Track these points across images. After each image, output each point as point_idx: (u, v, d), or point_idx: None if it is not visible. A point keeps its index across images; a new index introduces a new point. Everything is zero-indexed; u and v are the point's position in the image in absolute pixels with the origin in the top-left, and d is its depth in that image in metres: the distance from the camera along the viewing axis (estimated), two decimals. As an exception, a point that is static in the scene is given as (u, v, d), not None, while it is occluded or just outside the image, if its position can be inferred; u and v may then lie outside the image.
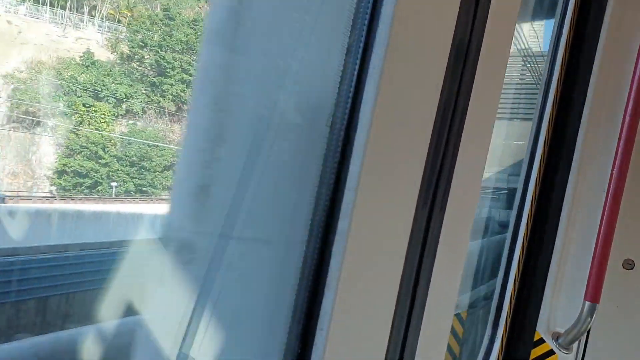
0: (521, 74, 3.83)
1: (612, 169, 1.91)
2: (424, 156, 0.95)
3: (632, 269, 2.04)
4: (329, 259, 0.83)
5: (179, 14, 32.00)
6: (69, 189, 28.19)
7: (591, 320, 1.94)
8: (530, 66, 3.63)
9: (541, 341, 2.04)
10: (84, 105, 29.60)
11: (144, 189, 28.34)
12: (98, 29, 34.03)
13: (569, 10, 1.90)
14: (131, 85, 31.38)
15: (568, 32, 1.90)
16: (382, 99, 0.82)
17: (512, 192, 2.07)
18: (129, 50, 32.43)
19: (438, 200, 1.01)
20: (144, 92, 31.94)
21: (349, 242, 0.81)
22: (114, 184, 28.37)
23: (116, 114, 30.78)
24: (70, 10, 33.41)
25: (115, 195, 27.38)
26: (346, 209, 0.81)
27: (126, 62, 32.53)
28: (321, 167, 0.86)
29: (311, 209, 0.86)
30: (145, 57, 32.31)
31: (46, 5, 32.66)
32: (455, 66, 0.96)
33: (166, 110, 31.75)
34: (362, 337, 0.93)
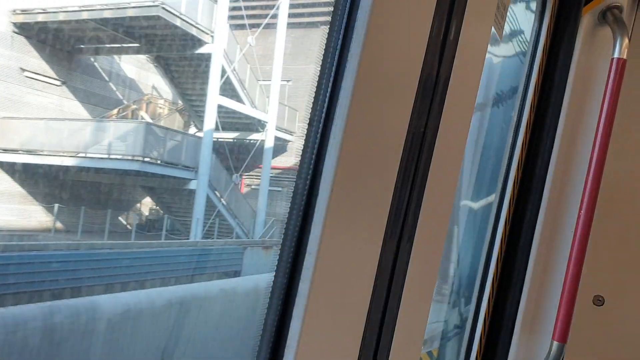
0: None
1: (580, 209, 1.94)
2: (391, 188, 0.96)
3: (602, 305, 2.06)
4: (296, 289, 0.82)
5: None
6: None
7: (560, 359, 1.94)
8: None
9: (511, 380, 2.02)
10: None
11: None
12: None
13: (537, 56, 1.96)
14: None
15: (537, 76, 1.96)
16: (349, 131, 0.83)
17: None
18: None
19: (406, 232, 1.01)
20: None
21: (316, 273, 0.80)
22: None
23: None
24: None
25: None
26: (314, 240, 0.80)
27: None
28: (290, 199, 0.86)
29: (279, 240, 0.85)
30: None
31: None
32: (423, 100, 0.97)
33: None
34: None
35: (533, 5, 1.97)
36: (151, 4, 14.52)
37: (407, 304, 1.06)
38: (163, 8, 14.53)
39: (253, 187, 19.84)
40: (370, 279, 0.94)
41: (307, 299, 0.80)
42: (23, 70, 15.43)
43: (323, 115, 0.84)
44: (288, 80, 19.61)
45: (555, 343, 1.91)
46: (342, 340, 0.92)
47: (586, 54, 1.99)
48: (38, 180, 15.45)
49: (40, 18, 15.36)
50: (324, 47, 0.85)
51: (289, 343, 0.79)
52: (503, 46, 1.94)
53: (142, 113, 19.09)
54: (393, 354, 1.04)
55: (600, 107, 1.93)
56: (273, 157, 18.48)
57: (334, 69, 0.84)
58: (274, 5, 17.73)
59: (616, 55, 1.88)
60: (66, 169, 15.52)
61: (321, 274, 0.82)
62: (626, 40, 1.88)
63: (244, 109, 17.46)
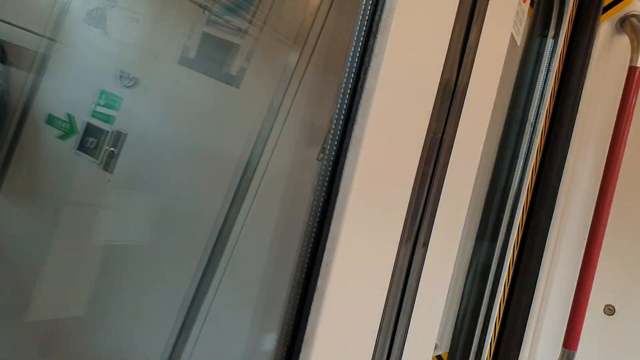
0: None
1: (593, 218, 1.93)
2: (408, 192, 0.96)
3: (612, 314, 2.05)
4: (314, 284, 0.82)
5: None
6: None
7: (570, 367, 1.93)
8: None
9: (520, 387, 2.02)
10: None
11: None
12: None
13: (553, 62, 1.96)
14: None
15: (553, 82, 1.96)
16: (369, 133, 0.83)
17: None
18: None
19: (421, 236, 1.02)
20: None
21: (333, 270, 0.80)
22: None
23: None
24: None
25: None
26: (333, 237, 0.80)
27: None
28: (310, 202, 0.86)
29: (297, 243, 0.86)
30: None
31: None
32: (442, 104, 0.98)
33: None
34: None
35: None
36: None
37: (421, 308, 1.06)
38: None
39: None
40: (385, 281, 0.95)
41: (324, 295, 0.80)
42: None
43: (344, 115, 0.84)
44: None
45: (565, 351, 1.90)
46: (357, 338, 0.93)
47: (603, 61, 1.99)
48: None
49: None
50: (349, 45, 0.85)
51: (307, 337, 0.80)
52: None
53: None
54: (406, 355, 1.05)
55: (616, 114, 1.92)
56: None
57: (355, 71, 0.85)
58: None
59: (634, 63, 1.87)
60: None
61: (338, 272, 0.82)
62: None
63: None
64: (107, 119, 2.01)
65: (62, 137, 2.04)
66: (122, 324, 1.93)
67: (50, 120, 2.04)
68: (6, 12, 1.85)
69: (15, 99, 1.97)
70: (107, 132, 2.01)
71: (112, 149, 1.99)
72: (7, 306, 1.95)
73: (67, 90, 2.03)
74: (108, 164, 2.02)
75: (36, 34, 1.93)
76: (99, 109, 2.00)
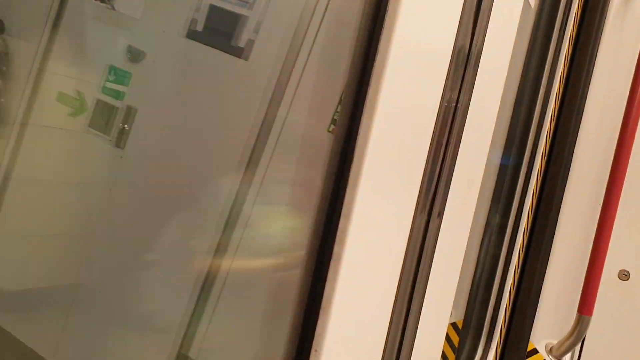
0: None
1: (607, 183, 1.92)
2: (422, 162, 0.95)
3: (627, 279, 2.05)
4: (330, 252, 0.82)
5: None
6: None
7: (584, 332, 1.94)
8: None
9: (535, 351, 2.04)
10: None
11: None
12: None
13: (563, 46, 1.92)
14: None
15: (567, 47, 1.92)
16: (382, 101, 0.82)
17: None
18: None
19: (436, 207, 1.01)
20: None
21: (349, 236, 0.80)
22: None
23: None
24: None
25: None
26: (347, 209, 0.80)
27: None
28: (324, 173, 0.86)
29: (315, 209, 0.86)
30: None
31: None
32: (455, 72, 0.96)
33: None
34: (357, 354, 0.93)
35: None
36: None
37: (436, 276, 1.07)
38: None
39: None
40: (401, 250, 0.95)
41: (340, 262, 0.80)
42: None
43: (356, 82, 0.83)
44: None
45: (580, 316, 1.91)
46: (374, 304, 0.93)
47: (619, 22, 1.94)
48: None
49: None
50: (360, 12, 0.84)
51: (324, 305, 0.80)
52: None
53: None
54: (422, 324, 1.05)
55: (632, 76, 1.89)
56: None
57: (366, 38, 0.84)
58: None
59: None
60: None
61: (354, 239, 0.82)
62: None
63: None
64: (117, 94, 2.00)
65: (72, 115, 2.05)
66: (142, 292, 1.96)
67: (61, 97, 2.04)
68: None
69: (24, 78, 1.97)
70: (118, 108, 2.01)
71: (124, 125, 2.00)
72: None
73: (76, 67, 2.03)
74: (120, 140, 2.02)
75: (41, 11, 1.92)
76: (109, 84, 2.00)
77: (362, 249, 0.85)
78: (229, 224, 1.88)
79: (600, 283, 1.89)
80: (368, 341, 0.95)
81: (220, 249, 1.89)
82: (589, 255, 1.92)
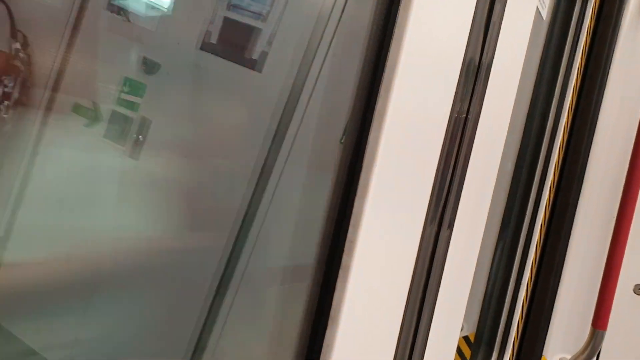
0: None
1: (622, 194, 1.90)
2: (432, 172, 0.95)
3: None
4: (339, 262, 0.82)
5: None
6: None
7: (599, 347, 1.92)
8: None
9: (548, 366, 2.01)
10: None
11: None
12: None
13: (576, 58, 1.92)
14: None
15: (580, 59, 1.92)
16: (392, 112, 0.82)
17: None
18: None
19: (446, 218, 1.01)
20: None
21: (358, 245, 0.80)
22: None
23: None
24: None
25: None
26: (356, 219, 0.81)
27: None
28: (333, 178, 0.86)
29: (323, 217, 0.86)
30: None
31: None
32: (466, 83, 0.97)
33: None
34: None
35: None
36: None
37: (447, 289, 1.06)
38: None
39: None
40: (411, 261, 0.95)
41: (349, 272, 0.80)
42: None
43: (367, 91, 0.84)
44: None
45: (594, 330, 1.89)
46: (383, 316, 0.93)
47: (632, 34, 1.93)
48: None
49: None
50: (370, 23, 0.84)
51: (332, 314, 0.80)
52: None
53: None
54: (432, 336, 1.05)
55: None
56: None
57: (376, 49, 0.84)
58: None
59: None
60: None
61: (363, 249, 0.82)
62: None
63: None
64: (132, 106, 2.03)
65: (88, 126, 2.07)
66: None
67: (76, 108, 2.07)
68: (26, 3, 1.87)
69: (41, 90, 2.00)
70: (132, 119, 2.03)
71: (138, 136, 2.02)
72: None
73: (91, 78, 2.05)
74: (134, 151, 2.04)
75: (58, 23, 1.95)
76: (124, 96, 2.02)
77: (371, 260, 0.84)
78: (241, 235, 1.89)
79: (615, 297, 1.87)
80: (377, 353, 0.94)
81: (232, 260, 1.89)
82: (603, 268, 1.90)
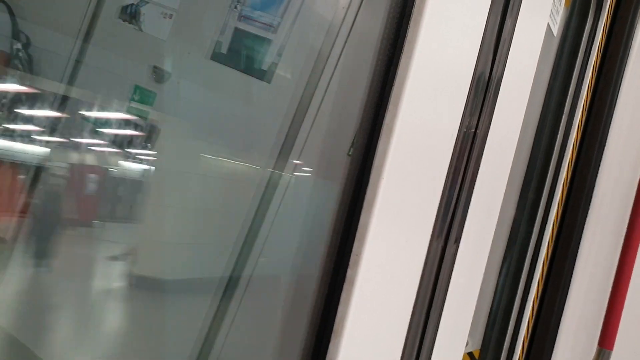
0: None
1: (631, 212, 1.89)
2: (440, 187, 0.95)
3: None
4: (344, 275, 0.82)
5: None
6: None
7: (606, 366, 1.90)
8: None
9: (554, 385, 1.99)
10: None
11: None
12: None
13: (586, 75, 1.91)
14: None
15: (592, 70, 1.91)
16: (400, 126, 0.82)
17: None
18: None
19: (453, 232, 1.01)
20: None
21: (363, 259, 0.80)
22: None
23: None
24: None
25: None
26: (361, 233, 0.80)
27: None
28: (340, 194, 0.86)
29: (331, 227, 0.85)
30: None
31: None
32: (475, 98, 0.96)
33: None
34: None
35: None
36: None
37: (452, 304, 1.05)
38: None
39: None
40: (416, 276, 0.94)
41: (353, 285, 0.80)
42: None
43: (375, 104, 0.84)
44: None
45: (601, 349, 1.87)
46: (387, 330, 0.92)
47: None
48: None
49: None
50: (380, 38, 0.85)
51: (336, 327, 0.80)
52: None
53: None
54: (436, 352, 1.04)
55: None
56: None
57: (386, 63, 0.84)
58: None
59: None
60: None
61: (368, 263, 0.82)
62: None
63: None
64: (142, 114, 2.04)
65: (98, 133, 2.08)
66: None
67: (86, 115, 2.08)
68: (38, 10, 1.89)
69: (51, 96, 2.02)
70: (142, 127, 2.05)
71: (146, 144, 2.03)
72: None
73: (102, 86, 2.07)
74: (143, 159, 2.05)
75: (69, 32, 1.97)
76: (134, 104, 2.03)
77: (376, 274, 0.84)
78: (247, 244, 1.89)
79: (622, 316, 1.85)
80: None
81: (237, 269, 1.89)
82: (610, 286, 1.88)
